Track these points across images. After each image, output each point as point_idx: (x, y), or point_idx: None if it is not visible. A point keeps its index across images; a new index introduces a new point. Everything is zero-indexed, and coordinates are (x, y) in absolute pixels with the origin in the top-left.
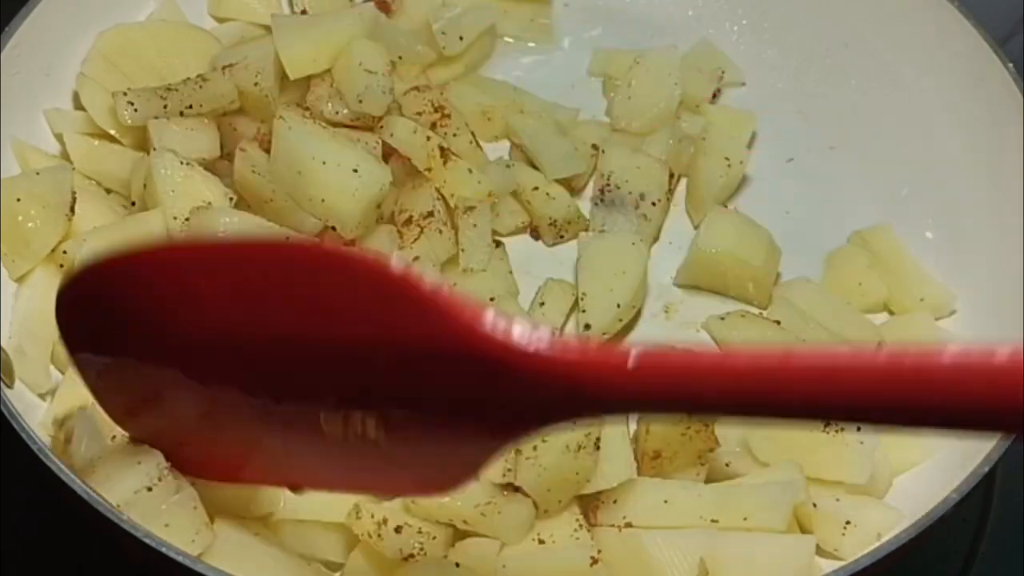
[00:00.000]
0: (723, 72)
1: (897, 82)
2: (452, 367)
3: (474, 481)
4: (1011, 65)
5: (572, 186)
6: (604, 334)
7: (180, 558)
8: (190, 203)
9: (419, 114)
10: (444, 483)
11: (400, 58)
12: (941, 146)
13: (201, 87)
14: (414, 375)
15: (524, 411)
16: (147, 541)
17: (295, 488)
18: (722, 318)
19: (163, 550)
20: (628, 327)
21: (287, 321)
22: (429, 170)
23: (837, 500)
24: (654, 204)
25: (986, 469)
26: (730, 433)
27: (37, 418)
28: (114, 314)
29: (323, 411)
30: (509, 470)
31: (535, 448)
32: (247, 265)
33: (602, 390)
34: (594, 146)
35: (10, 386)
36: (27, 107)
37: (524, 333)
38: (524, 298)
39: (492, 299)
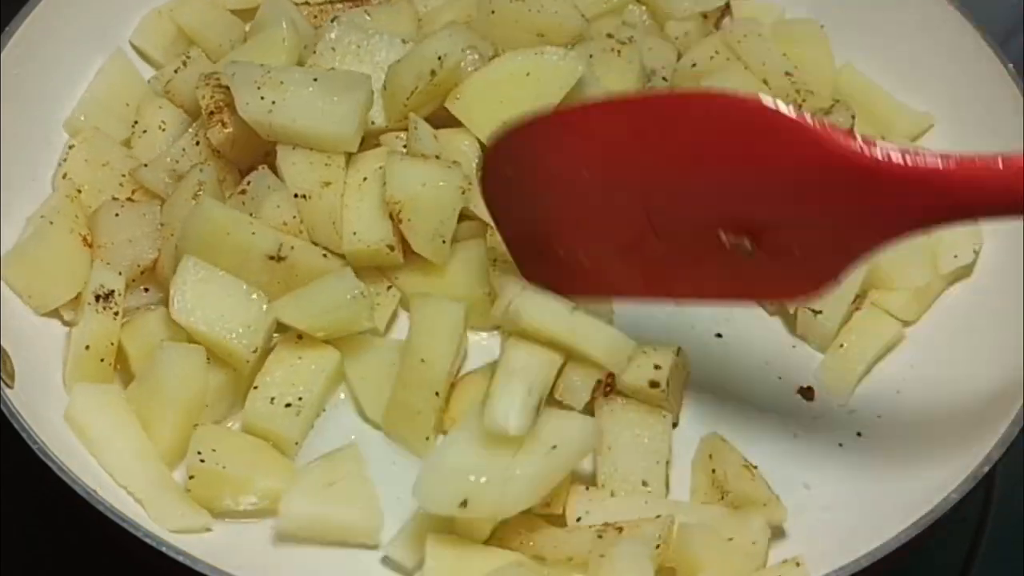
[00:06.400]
0: None
1: (897, 81)
2: (824, 185)
3: (836, 286)
4: (1011, 65)
5: None
6: None
7: (180, 558)
8: None
9: None
10: (808, 288)
11: None
12: (940, 146)
13: None
14: (785, 195)
15: (888, 220)
16: (147, 541)
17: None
18: None
19: (163, 549)
20: None
21: (667, 164)
22: None
23: None
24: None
25: (986, 469)
26: None
27: (37, 417)
28: (520, 172)
29: (697, 233)
30: None
31: None
32: (629, 118)
33: (972, 195)
34: None
35: (10, 386)
36: (27, 106)
37: (887, 150)
38: None
39: None
